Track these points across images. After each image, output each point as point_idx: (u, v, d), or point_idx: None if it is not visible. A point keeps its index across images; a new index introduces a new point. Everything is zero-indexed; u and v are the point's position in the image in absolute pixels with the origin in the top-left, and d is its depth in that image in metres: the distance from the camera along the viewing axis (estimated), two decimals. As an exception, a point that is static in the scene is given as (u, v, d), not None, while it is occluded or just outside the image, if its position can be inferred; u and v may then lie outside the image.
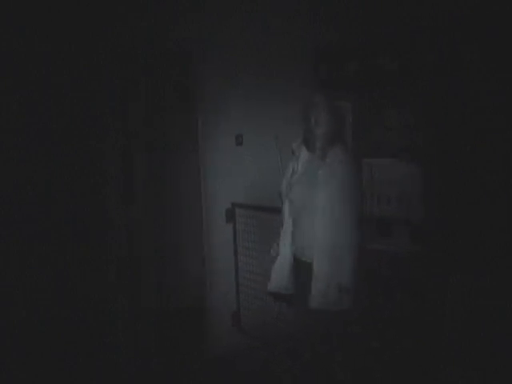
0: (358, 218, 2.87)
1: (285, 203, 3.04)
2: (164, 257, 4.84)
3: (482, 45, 3.27)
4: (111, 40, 3.67)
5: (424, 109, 3.69)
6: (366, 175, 3.97)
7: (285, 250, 3.02)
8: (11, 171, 3.36)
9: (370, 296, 3.49)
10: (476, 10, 3.25)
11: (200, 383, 3.83)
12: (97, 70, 3.64)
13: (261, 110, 4.21)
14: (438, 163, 3.52)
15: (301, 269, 2.95)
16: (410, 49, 3.64)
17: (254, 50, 4.17)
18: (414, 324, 3.49)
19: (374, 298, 3.75)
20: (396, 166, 3.83)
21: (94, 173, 3.68)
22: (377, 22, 3.99)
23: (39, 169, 3.47)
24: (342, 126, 3.36)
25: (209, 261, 4.19)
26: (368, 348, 3.62)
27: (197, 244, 4.35)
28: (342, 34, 4.14)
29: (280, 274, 3.03)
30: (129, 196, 3.72)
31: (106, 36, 3.63)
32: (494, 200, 3.24)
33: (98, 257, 3.68)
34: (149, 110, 4.78)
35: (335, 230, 2.79)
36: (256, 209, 4.05)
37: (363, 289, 2.95)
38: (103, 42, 3.64)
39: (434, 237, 3.50)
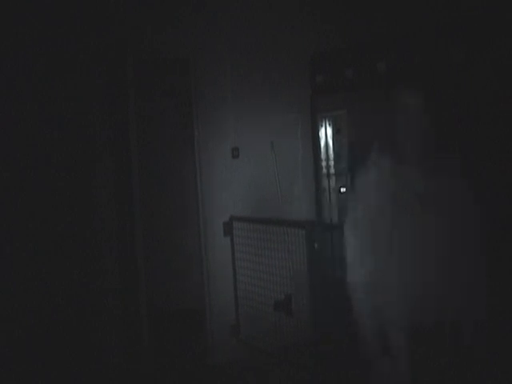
0: None
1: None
2: (163, 264, 4.88)
3: (482, 48, 3.23)
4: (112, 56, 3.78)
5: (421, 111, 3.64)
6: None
7: None
8: (9, 171, 3.48)
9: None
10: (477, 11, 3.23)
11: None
12: (97, 89, 3.76)
13: (257, 122, 4.26)
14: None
15: None
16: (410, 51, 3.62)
17: (251, 62, 4.26)
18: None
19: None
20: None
21: (95, 179, 3.78)
22: (374, 26, 4.00)
23: (38, 170, 3.55)
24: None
25: (208, 270, 4.19)
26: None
27: (197, 254, 4.36)
28: (337, 40, 4.16)
29: None
30: (128, 197, 3.76)
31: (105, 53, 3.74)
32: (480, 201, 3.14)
33: (97, 258, 3.74)
34: (150, 122, 4.91)
35: None
36: (254, 221, 4.03)
37: None
38: (104, 59, 3.75)
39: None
